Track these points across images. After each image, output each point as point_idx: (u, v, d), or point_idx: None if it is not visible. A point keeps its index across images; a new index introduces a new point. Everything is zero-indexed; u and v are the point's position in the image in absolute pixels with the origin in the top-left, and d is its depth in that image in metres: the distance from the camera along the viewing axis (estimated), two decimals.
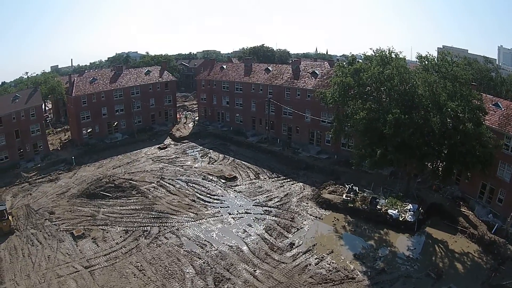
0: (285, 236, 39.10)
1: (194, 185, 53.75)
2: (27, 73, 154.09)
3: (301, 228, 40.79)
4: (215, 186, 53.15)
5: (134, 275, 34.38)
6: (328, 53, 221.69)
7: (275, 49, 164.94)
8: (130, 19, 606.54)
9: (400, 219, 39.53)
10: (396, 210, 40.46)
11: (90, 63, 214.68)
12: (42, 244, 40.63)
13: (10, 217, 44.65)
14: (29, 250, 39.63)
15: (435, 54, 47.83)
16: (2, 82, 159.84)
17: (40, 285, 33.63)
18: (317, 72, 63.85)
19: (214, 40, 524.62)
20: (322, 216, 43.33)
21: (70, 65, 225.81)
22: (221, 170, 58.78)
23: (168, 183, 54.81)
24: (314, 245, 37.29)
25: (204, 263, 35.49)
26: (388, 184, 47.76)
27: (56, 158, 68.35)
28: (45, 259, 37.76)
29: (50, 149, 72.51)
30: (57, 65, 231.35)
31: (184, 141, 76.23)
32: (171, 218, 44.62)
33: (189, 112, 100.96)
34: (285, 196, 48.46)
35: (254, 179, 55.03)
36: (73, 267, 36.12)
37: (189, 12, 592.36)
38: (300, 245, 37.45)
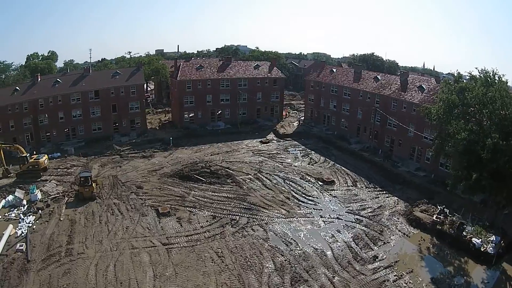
0: (371, 248, 39.40)
1: (291, 183, 55.31)
2: (129, 52, 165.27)
3: (387, 242, 40.89)
4: (311, 187, 54.42)
5: (212, 260, 35.29)
6: (435, 69, 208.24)
7: (384, 59, 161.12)
8: (242, 13, 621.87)
9: (482, 250, 39.41)
10: (480, 240, 40.31)
11: (197, 51, 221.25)
12: (123, 214, 42.59)
13: (94, 184, 46.81)
14: (107, 218, 41.47)
15: None
16: (102, 58, 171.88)
17: (110, 252, 34.96)
18: (424, 86, 63.68)
19: (324, 43, 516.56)
20: (409, 234, 42.99)
21: (176, 51, 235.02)
22: (320, 172, 60.37)
23: (265, 177, 56.81)
24: (396, 261, 37.27)
25: (285, 260, 36.06)
26: (478, 211, 46.73)
27: (153, 137, 73.24)
28: (123, 229, 39.29)
29: (148, 128, 77.10)
30: (163, 49, 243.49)
31: (287, 139, 79.23)
32: (262, 211, 45.92)
33: (295, 111, 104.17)
34: (378, 208, 48.80)
35: (351, 186, 55.90)
36: (151, 241, 37.58)
37: (303, 15, 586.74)
38: (383, 259, 37.47)
